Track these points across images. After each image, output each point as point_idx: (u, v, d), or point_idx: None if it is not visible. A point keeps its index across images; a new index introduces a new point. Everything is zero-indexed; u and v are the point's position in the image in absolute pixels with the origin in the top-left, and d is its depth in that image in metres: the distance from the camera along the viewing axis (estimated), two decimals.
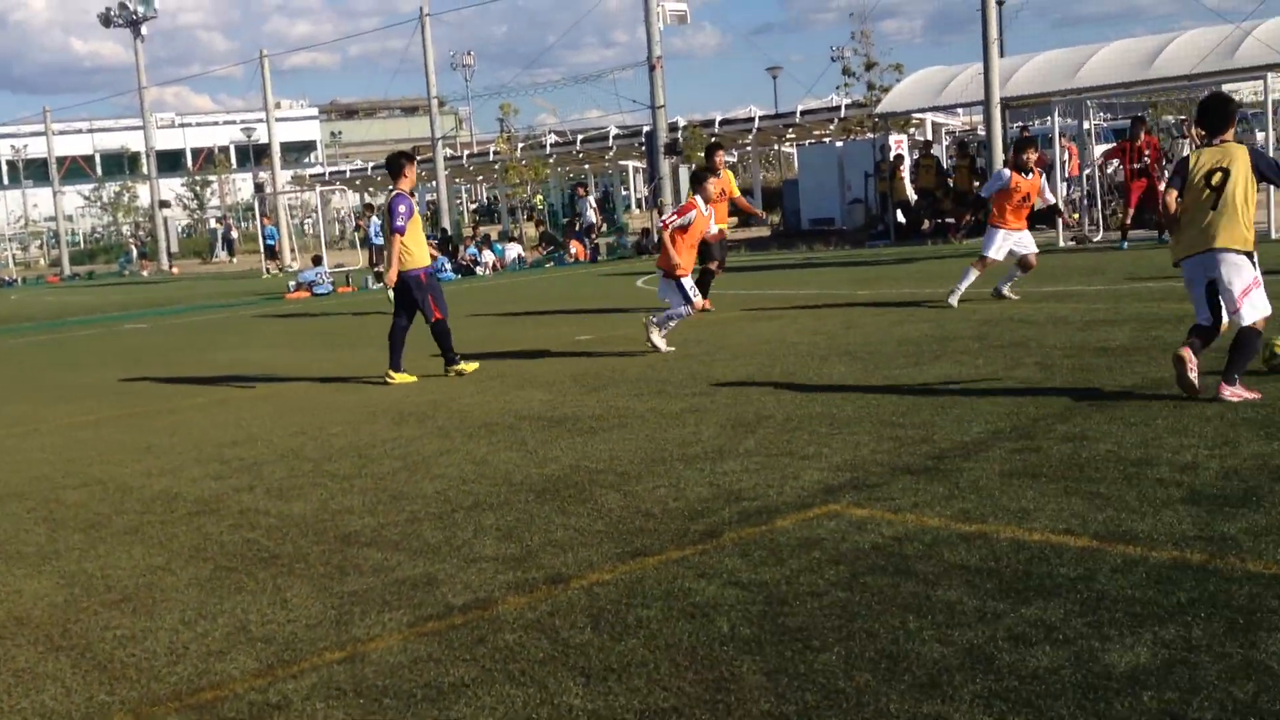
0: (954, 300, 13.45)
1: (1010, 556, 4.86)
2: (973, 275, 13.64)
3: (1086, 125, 23.66)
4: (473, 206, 77.00)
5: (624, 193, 66.25)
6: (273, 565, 5.69)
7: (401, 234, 11.16)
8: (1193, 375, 7.35)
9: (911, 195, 28.77)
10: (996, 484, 5.95)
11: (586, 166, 61.82)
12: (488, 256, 32.15)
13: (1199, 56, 23.76)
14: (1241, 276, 7.40)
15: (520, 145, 44.89)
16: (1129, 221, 19.58)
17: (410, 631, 4.65)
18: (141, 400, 12.05)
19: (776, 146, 58.92)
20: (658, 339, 11.96)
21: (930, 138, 35.66)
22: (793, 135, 51.39)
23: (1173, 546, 4.80)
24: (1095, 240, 21.85)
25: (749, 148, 53.45)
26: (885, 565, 4.90)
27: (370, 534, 6.10)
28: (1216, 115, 7.76)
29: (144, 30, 51.91)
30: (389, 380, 11.43)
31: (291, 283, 29.25)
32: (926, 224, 28.06)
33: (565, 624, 4.57)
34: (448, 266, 30.33)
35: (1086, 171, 23.14)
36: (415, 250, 11.40)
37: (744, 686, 3.88)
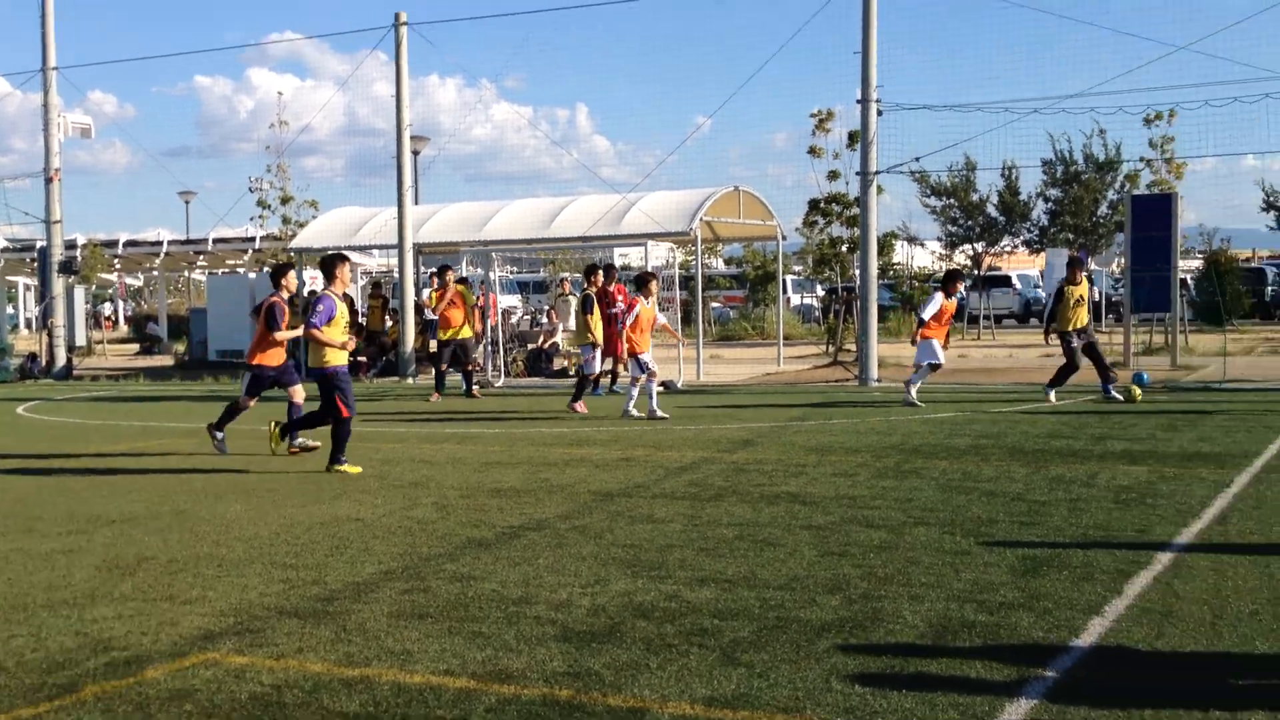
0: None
1: (390, 700, 4.85)
2: None
3: (493, 275, 24.91)
4: None
5: (11, 311, 60.60)
6: None
7: (318, 329, 11.72)
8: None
9: None
10: (384, 625, 5.94)
11: None
12: None
13: (592, 220, 25.91)
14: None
15: None
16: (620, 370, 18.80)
17: None
18: None
19: (187, 273, 56.72)
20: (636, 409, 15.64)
21: None
22: (204, 263, 49.75)
23: (544, 683, 5.01)
24: (498, 385, 22.92)
25: (155, 272, 51.01)
26: (262, 715, 4.71)
27: None
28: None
29: None
30: (340, 469, 11.51)
31: None
32: None
33: None
34: None
35: (491, 321, 24.27)
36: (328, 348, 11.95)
37: None
